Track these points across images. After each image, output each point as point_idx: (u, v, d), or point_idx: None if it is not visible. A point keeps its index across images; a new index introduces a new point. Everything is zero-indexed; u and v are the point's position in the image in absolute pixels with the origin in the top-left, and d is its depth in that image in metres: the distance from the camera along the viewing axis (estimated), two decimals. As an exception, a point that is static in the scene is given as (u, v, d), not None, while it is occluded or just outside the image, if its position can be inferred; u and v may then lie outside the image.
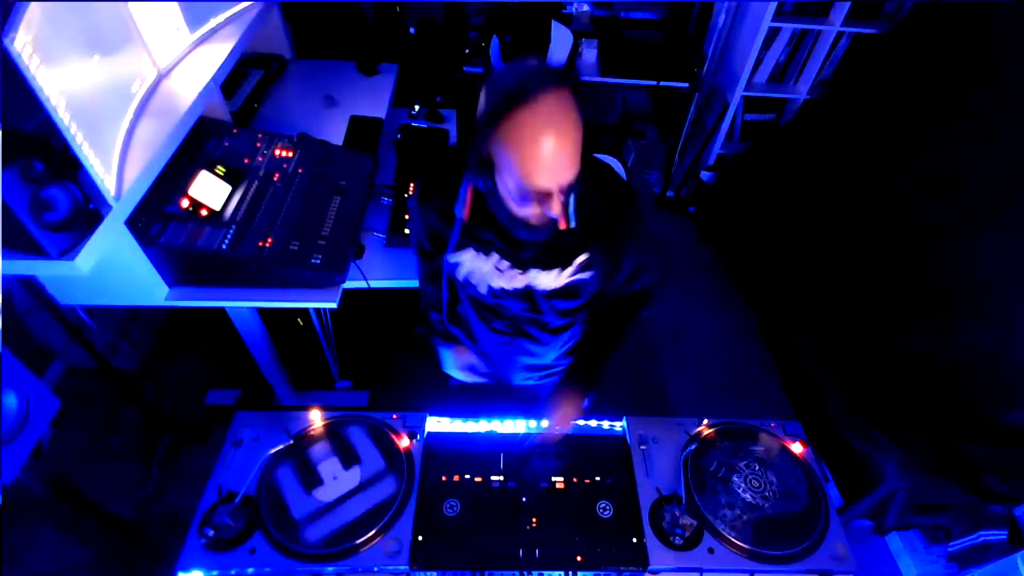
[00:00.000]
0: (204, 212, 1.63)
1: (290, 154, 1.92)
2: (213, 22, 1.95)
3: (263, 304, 1.71)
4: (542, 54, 2.71)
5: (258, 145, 1.90)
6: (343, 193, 1.89)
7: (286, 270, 1.66)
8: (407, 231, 1.92)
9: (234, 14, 2.06)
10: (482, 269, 1.22)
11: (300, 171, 1.89)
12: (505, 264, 1.19)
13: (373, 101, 2.43)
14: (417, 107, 2.57)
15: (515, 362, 1.53)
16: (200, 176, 1.68)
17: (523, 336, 1.41)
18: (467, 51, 2.80)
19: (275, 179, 1.83)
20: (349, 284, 1.78)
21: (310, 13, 2.68)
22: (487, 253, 1.19)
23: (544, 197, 0.96)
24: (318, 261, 1.68)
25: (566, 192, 0.95)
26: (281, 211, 1.76)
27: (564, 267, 1.18)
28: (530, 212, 1.00)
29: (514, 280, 1.22)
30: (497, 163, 0.95)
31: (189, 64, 1.81)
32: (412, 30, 2.82)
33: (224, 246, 1.60)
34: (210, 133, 1.84)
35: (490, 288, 1.26)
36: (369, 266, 1.84)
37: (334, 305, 1.71)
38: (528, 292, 1.23)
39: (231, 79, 2.25)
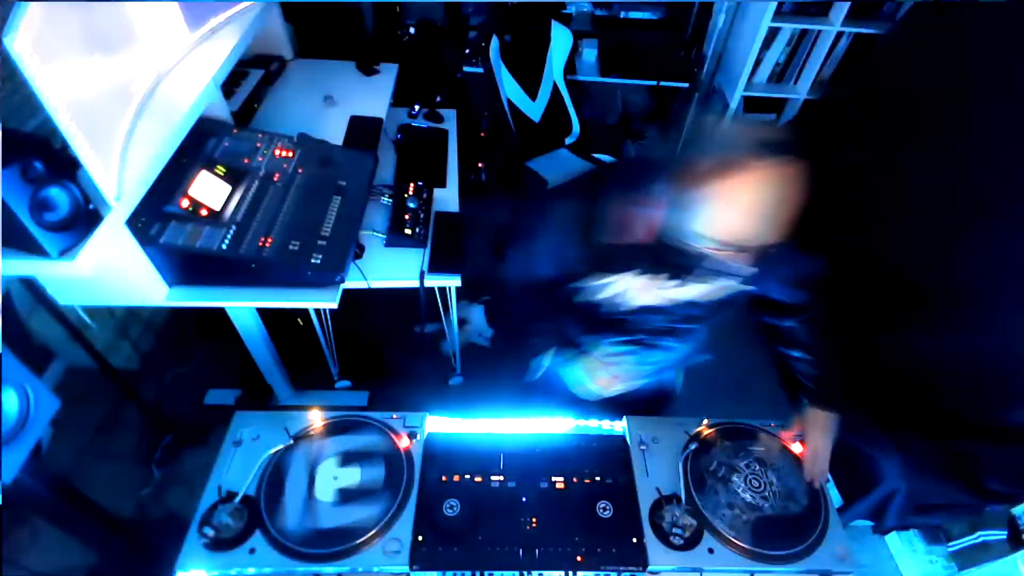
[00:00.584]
0: (204, 212, 1.63)
1: (290, 154, 1.92)
2: (213, 22, 1.95)
3: (263, 304, 1.71)
4: (542, 54, 2.72)
5: (258, 145, 1.91)
6: (343, 193, 1.89)
7: (286, 270, 1.66)
8: (407, 231, 1.92)
9: (234, 14, 2.06)
10: (634, 287, 1.22)
11: (300, 171, 1.89)
12: (660, 279, 1.18)
13: (373, 101, 2.43)
14: (417, 107, 2.57)
15: (638, 371, 1.51)
16: (200, 176, 1.68)
17: (652, 347, 1.43)
18: (467, 51, 2.81)
19: (275, 179, 1.83)
20: (349, 284, 1.78)
21: (310, 13, 2.69)
22: (639, 272, 1.18)
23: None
24: (318, 261, 1.68)
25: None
26: (281, 211, 1.76)
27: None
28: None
29: (669, 293, 1.21)
30: (681, 202, 0.97)
31: (189, 64, 1.81)
32: (412, 30, 2.83)
33: (224, 246, 1.60)
34: (210, 133, 1.84)
35: (637, 306, 1.27)
36: (369, 266, 1.84)
37: (334, 305, 1.71)
38: (676, 304, 1.24)
39: (231, 79, 2.25)
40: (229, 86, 2.25)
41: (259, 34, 2.24)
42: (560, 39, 2.68)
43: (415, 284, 1.86)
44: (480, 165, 3.28)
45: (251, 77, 2.36)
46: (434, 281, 1.89)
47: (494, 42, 2.52)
